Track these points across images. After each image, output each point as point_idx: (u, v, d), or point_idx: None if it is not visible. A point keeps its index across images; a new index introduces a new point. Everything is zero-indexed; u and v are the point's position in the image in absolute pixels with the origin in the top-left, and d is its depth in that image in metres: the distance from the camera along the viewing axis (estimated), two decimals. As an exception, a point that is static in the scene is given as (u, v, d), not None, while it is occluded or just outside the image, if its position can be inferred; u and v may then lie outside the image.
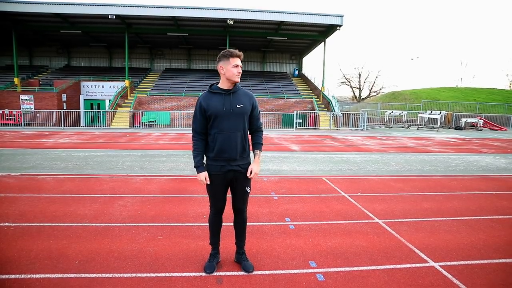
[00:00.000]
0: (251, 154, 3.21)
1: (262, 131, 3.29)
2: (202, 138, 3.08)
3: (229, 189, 3.24)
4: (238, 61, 2.98)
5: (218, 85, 3.08)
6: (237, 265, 3.33)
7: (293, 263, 3.42)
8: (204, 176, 3.04)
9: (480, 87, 44.07)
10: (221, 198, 3.18)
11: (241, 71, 3.04)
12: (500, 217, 5.00)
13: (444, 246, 3.91)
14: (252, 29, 29.27)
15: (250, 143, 3.24)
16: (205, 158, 3.14)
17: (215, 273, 3.18)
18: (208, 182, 3.06)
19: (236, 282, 3.05)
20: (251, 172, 3.11)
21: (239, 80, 3.03)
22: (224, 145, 2.99)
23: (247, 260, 3.34)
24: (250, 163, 3.19)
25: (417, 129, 25.92)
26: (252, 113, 3.15)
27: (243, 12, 26.11)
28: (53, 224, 4.35)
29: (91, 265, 3.30)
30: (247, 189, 3.19)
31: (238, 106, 3.02)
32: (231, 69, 2.96)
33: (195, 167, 3.07)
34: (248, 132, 3.24)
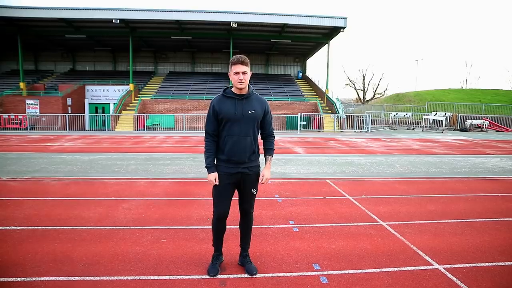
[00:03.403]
0: (261, 156, 3.25)
1: (274, 137, 3.34)
2: (214, 140, 3.14)
3: (235, 192, 3.27)
4: (238, 68, 2.98)
5: (232, 90, 3.12)
6: (241, 268, 3.33)
7: (297, 266, 3.42)
8: (214, 176, 3.09)
9: (485, 88, 43.79)
10: (226, 200, 3.16)
11: (244, 78, 3.00)
12: (505, 219, 4.96)
13: (448, 248, 3.89)
14: (256, 32, 29.35)
15: (261, 147, 3.28)
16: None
17: (218, 276, 3.18)
18: (218, 183, 3.10)
19: (240, 285, 3.05)
20: (263, 177, 3.18)
21: (241, 86, 3.02)
22: (234, 148, 3.05)
23: (251, 262, 3.33)
24: (258, 166, 3.23)
25: (422, 131, 25.80)
26: (264, 118, 3.21)
27: (247, 15, 26.18)
28: (58, 227, 4.38)
29: (95, 268, 3.32)
30: (253, 191, 3.22)
31: (249, 111, 3.06)
32: (232, 76, 3.03)
33: (206, 167, 3.13)
34: (260, 137, 3.29)
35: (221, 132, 3.10)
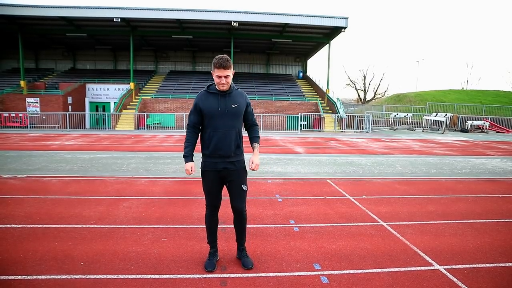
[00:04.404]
0: (245, 154, 3.29)
1: (257, 125, 3.44)
2: (195, 131, 3.25)
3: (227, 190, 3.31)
4: (221, 72, 3.04)
5: (215, 86, 3.19)
6: (241, 267, 3.33)
7: (297, 266, 3.42)
8: (190, 166, 3.20)
9: (486, 89, 43.74)
10: (216, 195, 3.29)
11: (226, 81, 3.08)
12: (506, 220, 4.96)
13: (449, 249, 3.88)
14: (257, 31, 29.33)
15: (247, 139, 3.36)
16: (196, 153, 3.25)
17: (219, 275, 3.19)
18: (194, 172, 3.20)
19: (240, 284, 3.05)
20: (252, 163, 3.23)
21: (223, 88, 3.13)
22: (219, 142, 3.13)
23: (247, 256, 3.40)
24: (243, 161, 3.30)
25: (423, 131, 25.80)
26: (246, 109, 3.30)
27: (248, 15, 26.16)
28: (59, 226, 4.38)
29: (96, 266, 3.32)
30: (243, 186, 3.26)
31: (233, 106, 3.16)
32: (215, 78, 3.10)
33: (183, 156, 3.22)
34: (244, 128, 3.39)
35: (206, 128, 3.18)
